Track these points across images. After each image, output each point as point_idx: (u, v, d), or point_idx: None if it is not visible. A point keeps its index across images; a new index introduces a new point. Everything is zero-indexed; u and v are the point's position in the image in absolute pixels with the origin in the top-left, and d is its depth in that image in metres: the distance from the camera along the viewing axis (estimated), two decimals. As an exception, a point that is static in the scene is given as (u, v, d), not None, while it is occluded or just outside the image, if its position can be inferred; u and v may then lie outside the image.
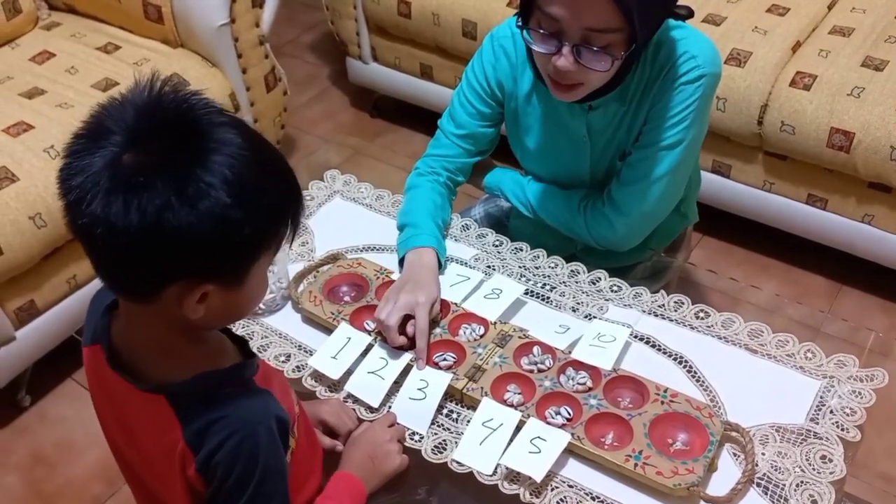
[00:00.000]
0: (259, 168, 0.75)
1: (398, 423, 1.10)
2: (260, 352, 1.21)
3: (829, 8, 2.20)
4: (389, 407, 1.13)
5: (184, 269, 0.73)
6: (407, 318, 1.17)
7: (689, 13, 1.19)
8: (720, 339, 1.20)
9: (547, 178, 1.40)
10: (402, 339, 1.16)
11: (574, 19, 1.07)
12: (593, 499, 1.01)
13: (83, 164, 0.71)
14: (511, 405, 1.10)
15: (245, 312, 0.85)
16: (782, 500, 0.99)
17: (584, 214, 1.33)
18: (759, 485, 1.01)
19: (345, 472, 1.03)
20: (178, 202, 0.69)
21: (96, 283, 2.10)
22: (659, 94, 1.21)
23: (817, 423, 1.07)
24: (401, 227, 1.33)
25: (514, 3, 2.29)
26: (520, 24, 1.14)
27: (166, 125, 0.73)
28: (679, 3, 1.15)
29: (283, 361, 1.20)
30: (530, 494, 1.01)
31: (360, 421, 1.11)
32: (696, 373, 1.15)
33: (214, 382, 0.82)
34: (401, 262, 1.28)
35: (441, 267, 1.28)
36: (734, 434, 1.05)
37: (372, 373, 1.15)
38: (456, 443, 1.07)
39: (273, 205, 0.77)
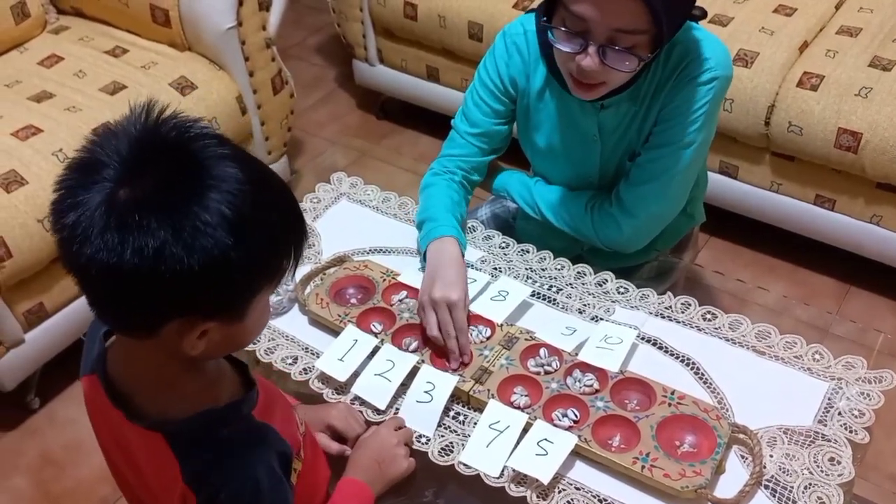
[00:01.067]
0: (260, 204, 0.71)
1: (405, 427, 1.10)
2: (267, 354, 1.21)
3: (837, 8, 2.20)
4: (396, 409, 1.13)
5: (181, 308, 0.71)
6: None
7: (703, 14, 1.19)
8: (727, 340, 1.19)
9: (556, 178, 1.39)
10: (440, 337, 1.15)
11: (602, 19, 1.06)
12: (600, 501, 1.01)
13: (77, 201, 0.68)
14: (518, 407, 1.10)
15: (246, 343, 0.83)
16: (790, 503, 0.99)
17: (591, 215, 1.33)
18: (766, 487, 1.01)
19: (351, 478, 1.03)
20: (174, 243, 0.66)
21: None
22: (670, 95, 1.21)
23: (825, 425, 1.07)
24: (419, 225, 1.33)
25: (520, 4, 2.29)
26: (545, 20, 1.13)
27: (163, 157, 0.70)
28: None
29: (289, 364, 1.20)
30: (537, 497, 1.01)
31: (368, 424, 1.12)
32: (703, 375, 1.15)
33: (212, 422, 0.79)
34: (423, 256, 1.28)
35: (463, 256, 1.26)
36: (742, 436, 1.05)
37: (379, 375, 1.15)
38: (463, 445, 1.07)
39: (274, 239, 0.75)
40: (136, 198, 0.67)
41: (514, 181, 1.44)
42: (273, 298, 1.26)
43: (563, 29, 1.11)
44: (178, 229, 0.67)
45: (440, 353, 1.17)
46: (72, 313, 1.90)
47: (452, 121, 1.40)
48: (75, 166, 0.71)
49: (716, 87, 1.19)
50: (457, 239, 1.26)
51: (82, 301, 2.05)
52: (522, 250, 1.37)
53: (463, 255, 1.27)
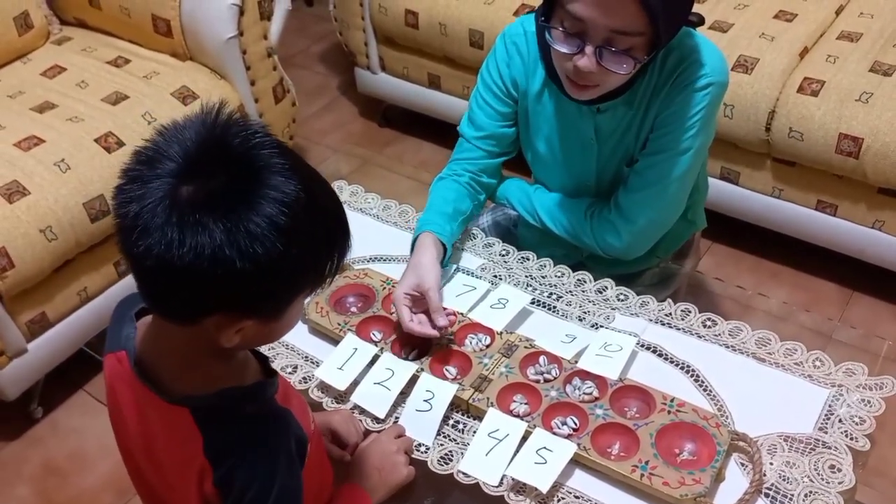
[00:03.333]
0: (311, 215, 0.75)
1: (405, 435, 1.10)
2: (267, 363, 1.21)
3: (837, 13, 2.19)
4: (396, 418, 1.13)
5: (226, 304, 0.75)
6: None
7: (700, 20, 1.19)
8: (727, 347, 1.19)
9: (554, 183, 1.39)
10: (412, 327, 1.17)
11: (600, 20, 1.07)
12: (600, 509, 1.01)
13: (140, 192, 0.71)
14: (517, 415, 1.10)
15: (276, 339, 0.87)
16: (791, 511, 0.99)
17: (590, 222, 1.33)
18: (767, 495, 1.00)
19: (351, 484, 1.03)
20: (229, 246, 0.70)
21: (107, 295, 2.10)
22: (666, 101, 1.21)
23: (826, 433, 1.06)
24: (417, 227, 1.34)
25: (521, 12, 2.29)
26: (543, 20, 1.14)
27: (226, 162, 0.73)
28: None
29: (289, 373, 1.20)
30: (537, 505, 1.01)
31: (368, 432, 1.12)
32: (703, 382, 1.15)
33: (238, 399, 0.83)
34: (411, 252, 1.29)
35: (446, 251, 1.28)
36: (742, 444, 1.05)
37: (378, 383, 1.15)
38: (462, 453, 1.07)
39: (320, 248, 0.78)
40: (198, 198, 0.71)
41: (514, 188, 1.44)
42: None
43: (560, 29, 1.11)
44: (234, 233, 0.70)
45: (415, 342, 1.19)
46: (74, 323, 1.90)
47: (458, 128, 1.40)
48: (142, 157, 0.74)
49: (712, 93, 1.20)
50: (432, 232, 1.27)
51: (84, 311, 2.05)
52: (522, 258, 1.37)
53: (445, 246, 1.27)
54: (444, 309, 1.20)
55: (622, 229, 1.29)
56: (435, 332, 1.18)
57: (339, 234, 0.81)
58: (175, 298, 0.75)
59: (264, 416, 0.84)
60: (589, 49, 1.09)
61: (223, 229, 0.70)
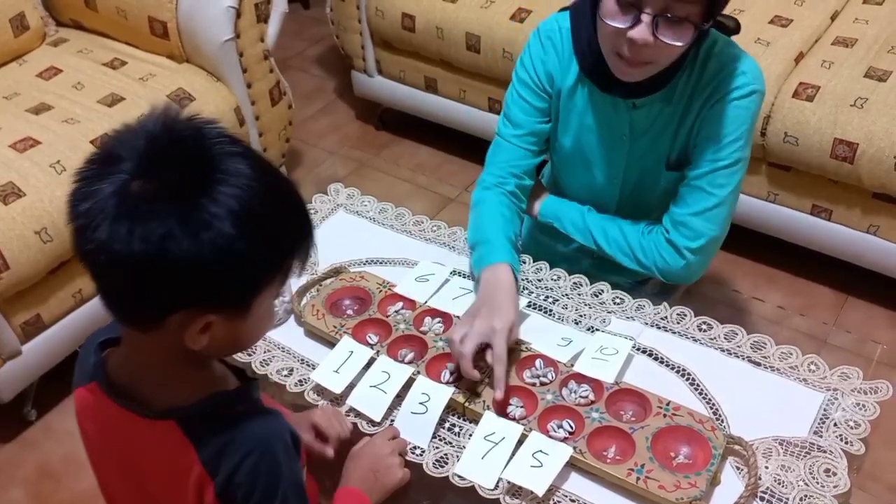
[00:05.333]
0: (268, 200, 0.74)
1: (400, 437, 1.10)
2: (262, 366, 1.21)
3: (832, 19, 2.20)
4: (391, 421, 1.13)
5: (186, 298, 0.73)
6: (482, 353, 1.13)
7: (737, 27, 1.17)
8: (723, 351, 1.19)
9: (579, 182, 1.37)
10: (476, 374, 1.11)
11: None
12: (596, 513, 1.01)
13: (92, 190, 0.71)
14: (513, 419, 1.10)
15: (249, 343, 0.84)
16: (786, 514, 0.99)
17: (648, 242, 1.29)
18: (762, 499, 1.01)
19: (349, 487, 1.03)
20: (181, 232, 0.69)
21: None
22: (711, 112, 1.20)
23: (821, 437, 1.06)
24: (472, 246, 1.30)
25: (517, 16, 2.30)
26: None
27: (177, 154, 0.72)
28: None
29: (285, 375, 1.20)
30: (532, 508, 1.01)
31: (362, 434, 1.11)
32: (698, 385, 1.15)
33: (225, 403, 0.82)
34: (476, 281, 1.25)
35: (517, 282, 1.23)
36: (737, 447, 1.05)
37: (374, 386, 1.15)
38: (457, 457, 1.07)
39: (280, 237, 0.77)
40: (148, 189, 0.70)
41: (566, 208, 1.38)
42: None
43: (615, 2, 1.09)
44: (185, 219, 0.69)
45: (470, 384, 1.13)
46: (69, 325, 1.90)
47: (496, 128, 1.36)
48: (95, 159, 0.74)
49: (756, 101, 1.19)
50: (510, 265, 1.22)
51: (79, 312, 2.05)
52: (520, 261, 1.37)
53: (517, 280, 1.22)
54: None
55: (683, 250, 1.26)
56: (478, 375, 1.12)
57: (299, 226, 0.80)
58: (134, 297, 0.73)
59: (256, 416, 0.82)
60: (646, 17, 1.07)
61: (176, 215, 0.69)
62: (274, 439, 0.82)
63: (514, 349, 1.18)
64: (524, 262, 1.36)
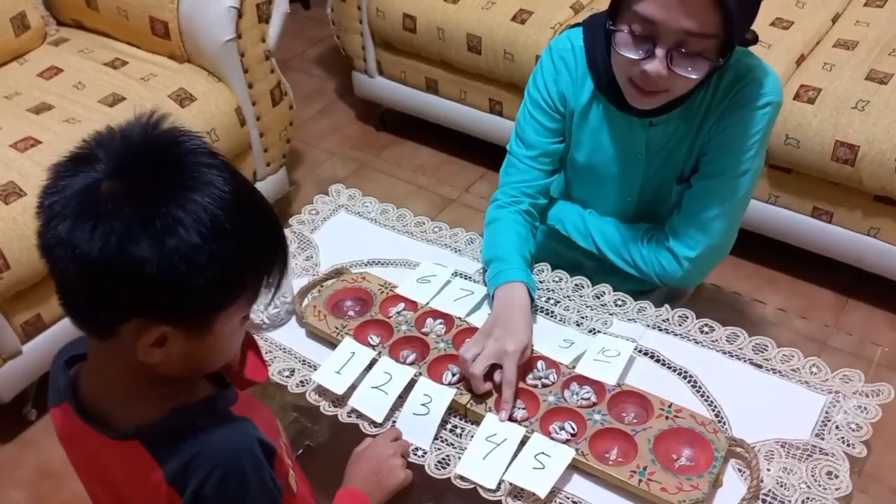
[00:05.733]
0: (239, 216, 0.71)
1: (401, 438, 1.10)
2: (264, 366, 1.21)
3: (834, 21, 2.21)
4: (393, 422, 1.13)
5: (141, 305, 0.70)
6: (494, 365, 1.12)
7: (755, 38, 1.16)
8: (725, 353, 1.19)
9: (593, 199, 1.36)
10: (487, 386, 1.11)
11: (673, 21, 1.03)
12: (597, 515, 1.01)
13: (62, 186, 0.70)
14: (515, 420, 1.10)
15: (211, 366, 0.80)
16: (788, 517, 0.99)
17: (647, 249, 1.28)
18: (764, 501, 1.00)
19: (350, 488, 1.03)
20: (142, 234, 0.67)
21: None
22: (725, 120, 1.18)
23: (823, 439, 1.06)
24: (487, 262, 1.28)
25: (518, 17, 2.30)
26: (611, 25, 1.10)
27: (151, 159, 0.71)
28: None
29: (287, 376, 1.20)
30: (534, 510, 1.01)
31: (363, 436, 1.11)
32: (700, 388, 1.15)
33: (188, 418, 0.78)
34: (490, 298, 1.23)
35: (532, 302, 1.22)
36: (739, 449, 1.05)
37: (376, 388, 1.15)
38: (459, 458, 1.07)
39: (247, 255, 0.74)
40: (117, 190, 0.69)
41: (568, 212, 1.38)
42: (270, 310, 1.26)
43: (627, 33, 1.08)
44: (148, 221, 0.67)
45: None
46: (69, 325, 1.85)
47: (508, 146, 1.35)
48: (72, 157, 0.73)
49: (770, 113, 1.18)
50: (526, 285, 1.21)
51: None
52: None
53: (533, 300, 1.22)
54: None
55: (681, 257, 1.25)
56: (488, 386, 1.12)
57: (271, 248, 0.77)
58: (87, 298, 0.71)
59: (219, 429, 0.79)
60: (660, 52, 1.06)
61: (139, 217, 0.67)
62: (240, 452, 0.78)
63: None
64: (526, 264, 1.36)
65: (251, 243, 0.74)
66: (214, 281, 0.71)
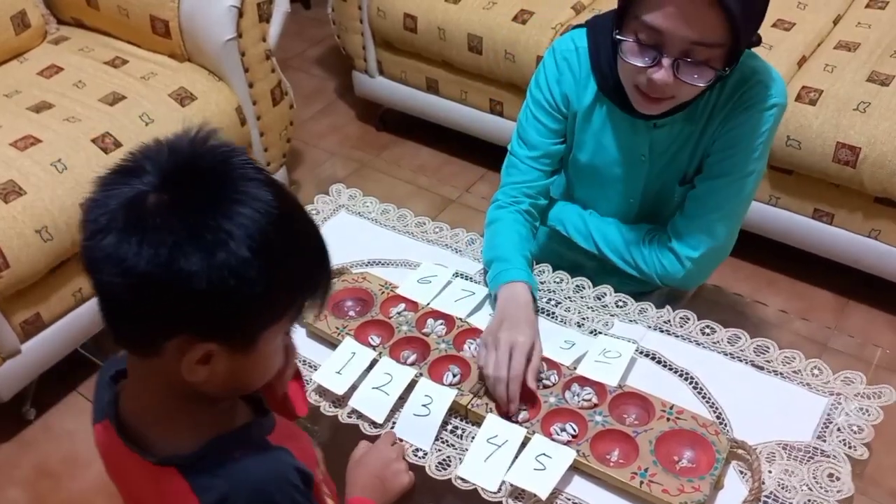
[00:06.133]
0: (286, 230, 0.70)
1: (398, 442, 1.10)
2: (264, 367, 1.20)
3: (835, 23, 2.21)
4: (394, 423, 1.13)
5: (187, 320, 0.69)
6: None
7: (759, 39, 1.16)
8: (726, 355, 1.19)
9: (595, 200, 1.36)
10: (514, 408, 1.10)
11: (680, 31, 1.04)
12: (599, 516, 1.01)
13: (107, 199, 0.68)
14: (516, 421, 1.09)
15: (254, 385, 0.79)
16: (789, 519, 0.99)
17: (648, 250, 1.28)
18: (765, 503, 1.00)
19: (357, 498, 1.01)
20: (192, 247, 0.65)
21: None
22: (730, 121, 1.18)
23: (824, 441, 1.06)
24: (488, 263, 1.28)
25: (519, 18, 2.29)
26: (617, 34, 1.10)
27: (198, 172, 0.70)
28: None
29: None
30: (535, 512, 1.01)
31: (359, 439, 1.11)
32: (702, 389, 1.14)
33: (226, 448, 0.77)
34: (493, 298, 1.24)
35: (535, 302, 1.22)
36: (740, 451, 1.05)
37: (377, 388, 1.15)
38: (460, 459, 1.07)
39: (294, 271, 0.73)
40: (164, 203, 0.67)
41: (569, 213, 1.38)
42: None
43: (633, 41, 1.08)
44: (198, 235, 0.66)
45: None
46: (69, 324, 1.89)
47: (509, 146, 1.35)
48: (118, 169, 0.71)
49: (775, 114, 1.18)
50: (528, 284, 1.21)
51: (79, 312, 2.04)
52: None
53: (535, 300, 1.22)
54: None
55: (683, 257, 1.25)
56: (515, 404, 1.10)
57: (317, 264, 0.76)
58: (132, 314, 0.69)
59: (256, 460, 0.77)
60: (666, 61, 1.06)
61: (188, 229, 0.65)
62: (275, 484, 0.77)
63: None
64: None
65: (299, 258, 0.73)
66: (262, 296, 0.69)
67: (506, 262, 1.24)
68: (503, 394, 1.09)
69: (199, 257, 0.65)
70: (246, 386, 0.78)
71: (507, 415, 1.10)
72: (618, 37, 1.10)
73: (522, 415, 1.10)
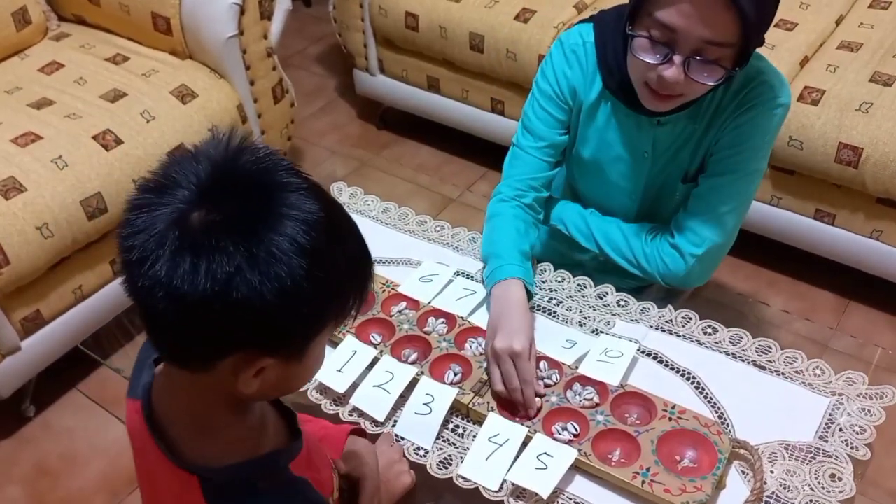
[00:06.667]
0: (333, 236, 0.69)
1: (396, 442, 1.10)
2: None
3: (837, 23, 2.20)
4: (395, 421, 1.12)
5: (245, 340, 0.67)
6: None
7: (762, 40, 1.16)
8: (728, 355, 1.19)
9: (597, 195, 1.36)
10: (532, 412, 1.09)
11: (692, 29, 1.04)
12: (600, 516, 1.00)
13: (147, 222, 0.65)
14: (517, 421, 1.09)
15: (297, 387, 0.79)
16: (791, 519, 0.99)
17: (650, 248, 1.28)
18: (767, 503, 1.00)
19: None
20: (249, 268, 0.63)
21: (102, 294, 2.08)
22: (735, 120, 1.19)
23: (826, 441, 1.06)
24: (485, 259, 1.28)
25: (521, 16, 2.29)
26: (630, 29, 1.10)
27: (240, 184, 0.67)
28: None
29: (288, 374, 1.19)
30: (536, 511, 1.01)
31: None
32: (703, 389, 1.14)
33: (249, 476, 0.76)
34: (488, 296, 1.23)
35: (531, 297, 1.21)
36: (742, 451, 1.05)
37: (377, 386, 1.14)
38: (461, 458, 1.07)
39: (344, 274, 0.71)
40: (211, 221, 0.64)
41: (570, 211, 1.38)
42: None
43: (646, 38, 1.08)
44: (253, 254, 0.64)
45: (505, 404, 1.12)
46: (69, 321, 1.89)
47: (513, 138, 1.34)
48: (150, 186, 0.68)
49: (780, 114, 1.18)
50: (522, 280, 1.20)
51: (79, 309, 2.03)
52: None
53: (530, 296, 1.21)
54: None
55: (686, 255, 1.25)
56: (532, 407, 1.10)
57: (362, 265, 0.75)
58: (189, 338, 0.67)
59: (276, 494, 0.77)
60: (677, 59, 1.06)
61: (243, 251, 0.63)
62: None
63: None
64: (528, 263, 1.36)
65: (346, 263, 0.72)
66: (317, 306, 0.69)
67: (500, 259, 1.24)
68: (521, 399, 1.09)
69: (256, 277, 0.64)
70: (290, 390, 0.78)
71: (528, 418, 1.10)
72: (630, 33, 1.10)
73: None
